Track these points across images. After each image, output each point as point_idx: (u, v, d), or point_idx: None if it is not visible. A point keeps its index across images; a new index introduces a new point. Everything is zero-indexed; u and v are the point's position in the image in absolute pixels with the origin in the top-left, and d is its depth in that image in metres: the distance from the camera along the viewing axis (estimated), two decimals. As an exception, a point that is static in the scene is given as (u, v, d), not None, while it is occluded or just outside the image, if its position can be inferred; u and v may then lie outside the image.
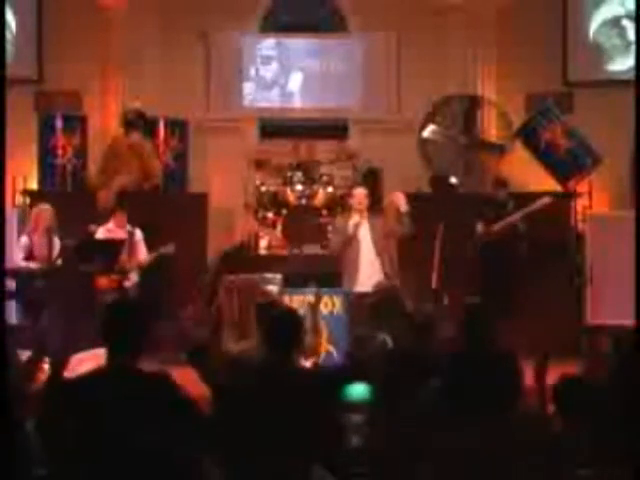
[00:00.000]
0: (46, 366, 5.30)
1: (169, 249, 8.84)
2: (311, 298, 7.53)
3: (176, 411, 3.64)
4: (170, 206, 10.07)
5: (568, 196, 10.20)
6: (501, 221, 8.91)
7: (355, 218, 7.98)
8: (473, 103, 11.14)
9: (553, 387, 4.31)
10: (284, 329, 4.16)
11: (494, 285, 8.56)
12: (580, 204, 10.37)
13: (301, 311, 6.83)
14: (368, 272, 7.76)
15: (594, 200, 10.57)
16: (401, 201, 7.93)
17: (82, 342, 6.17)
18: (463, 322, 4.89)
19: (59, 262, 8.43)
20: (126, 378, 3.62)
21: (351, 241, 7.87)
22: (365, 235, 7.88)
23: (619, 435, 3.93)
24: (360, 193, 8.09)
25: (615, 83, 11.01)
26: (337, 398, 4.19)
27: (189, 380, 4.22)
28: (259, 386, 4.03)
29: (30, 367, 4.67)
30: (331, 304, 7.73)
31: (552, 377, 4.56)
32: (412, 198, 10.28)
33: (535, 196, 9.16)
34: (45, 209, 8.63)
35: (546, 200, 8.89)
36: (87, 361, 5.43)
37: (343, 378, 4.40)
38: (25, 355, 5.16)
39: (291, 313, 4.49)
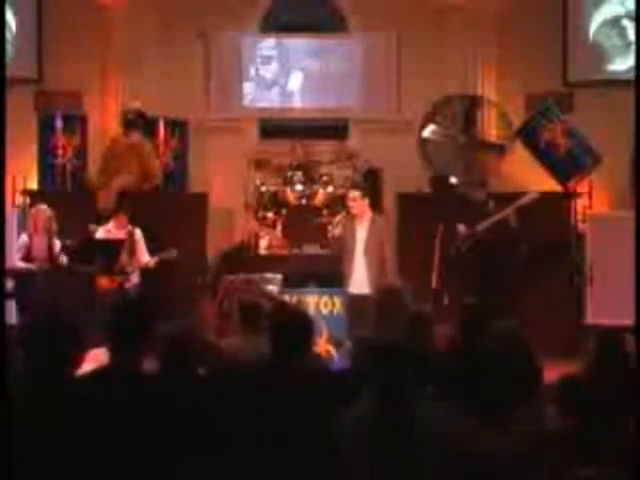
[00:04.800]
0: None
1: (171, 254, 8.82)
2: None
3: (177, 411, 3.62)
4: (170, 206, 10.06)
5: (568, 196, 10.20)
6: (485, 221, 8.78)
7: (355, 219, 7.96)
8: (473, 103, 11.13)
9: (552, 387, 4.31)
10: (295, 331, 4.10)
11: (494, 285, 8.53)
12: (580, 204, 10.36)
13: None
14: (362, 274, 7.73)
15: (594, 200, 10.56)
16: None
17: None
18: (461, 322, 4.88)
19: (59, 262, 8.44)
20: (127, 378, 3.60)
21: (347, 242, 7.84)
22: (361, 237, 7.83)
23: (619, 435, 3.93)
24: (351, 196, 8.03)
25: (615, 83, 11.00)
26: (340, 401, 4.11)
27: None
28: (262, 386, 3.99)
29: None
30: (331, 304, 7.69)
31: (552, 377, 4.56)
32: (412, 198, 10.41)
33: (517, 196, 9.01)
34: (43, 209, 8.64)
35: (534, 195, 8.82)
36: (88, 361, 5.42)
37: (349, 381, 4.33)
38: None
39: (303, 315, 4.40)
